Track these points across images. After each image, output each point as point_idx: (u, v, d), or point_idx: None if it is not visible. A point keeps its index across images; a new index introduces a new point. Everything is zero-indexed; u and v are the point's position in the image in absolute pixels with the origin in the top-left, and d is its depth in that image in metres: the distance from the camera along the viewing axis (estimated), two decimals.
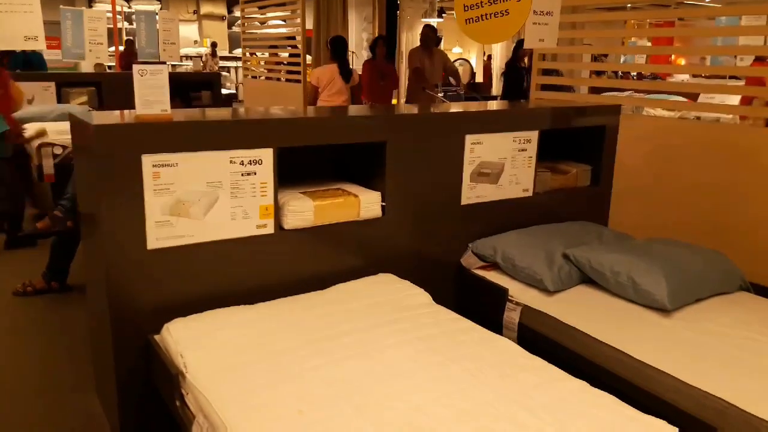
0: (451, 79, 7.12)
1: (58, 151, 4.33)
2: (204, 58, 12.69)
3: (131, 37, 8.55)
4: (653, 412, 1.64)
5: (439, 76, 6.65)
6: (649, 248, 2.59)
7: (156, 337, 2.04)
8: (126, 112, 2.24)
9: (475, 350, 1.92)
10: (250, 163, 2.14)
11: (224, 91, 8.54)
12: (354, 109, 2.86)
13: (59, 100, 6.11)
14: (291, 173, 2.55)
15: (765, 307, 2.42)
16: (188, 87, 6.66)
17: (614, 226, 3.44)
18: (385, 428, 1.50)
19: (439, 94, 6.43)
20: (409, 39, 10.25)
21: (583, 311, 2.36)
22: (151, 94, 2.01)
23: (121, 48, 9.17)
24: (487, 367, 1.81)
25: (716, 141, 3.30)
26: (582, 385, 1.74)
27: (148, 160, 1.98)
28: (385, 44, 6.72)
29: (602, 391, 1.71)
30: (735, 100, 6.69)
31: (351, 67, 6.06)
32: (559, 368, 1.85)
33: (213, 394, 1.67)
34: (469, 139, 2.74)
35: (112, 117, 2.12)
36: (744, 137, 3.24)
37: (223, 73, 13.01)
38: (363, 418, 1.55)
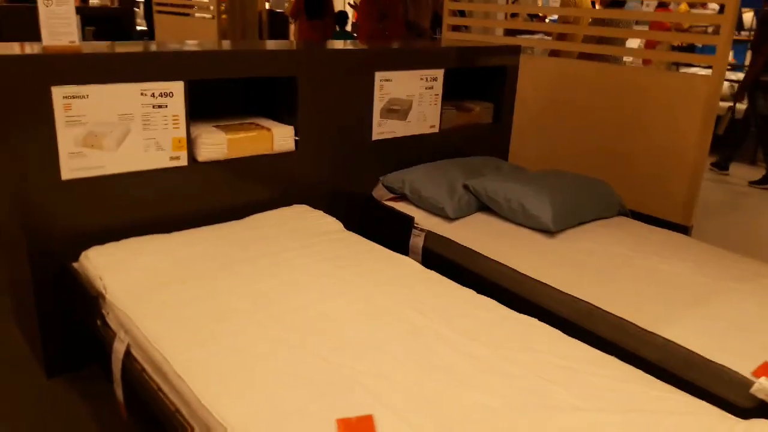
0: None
1: None
2: None
3: None
4: (530, 315, 1.89)
5: (428, 17, 5.46)
6: (540, 178, 2.85)
7: (75, 264, 2.11)
8: (33, 44, 2.23)
9: (379, 267, 2.12)
10: (161, 96, 2.20)
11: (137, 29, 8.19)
12: (266, 44, 2.93)
13: None
14: (206, 108, 2.61)
15: (638, 229, 2.75)
16: (96, 23, 6.39)
17: (515, 159, 3.70)
18: (296, 330, 1.68)
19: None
20: None
21: (479, 235, 2.60)
22: (59, 25, 2.02)
23: None
24: (389, 280, 2.01)
25: (608, 79, 3.59)
26: (469, 293, 1.97)
27: (58, 92, 2.01)
28: None
29: (486, 297, 1.95)
30: (636, 44, 7.10)
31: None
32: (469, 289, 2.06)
33: (133, 311, 1.79)
34: (379, 76, 2.87)
35: (17, 48, 2.11)
36: (632, 76, 3.54)
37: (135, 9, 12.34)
38: (276, 323, 1.72)
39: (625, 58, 6.38)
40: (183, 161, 2.32)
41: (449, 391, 1.46)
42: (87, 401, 2.14)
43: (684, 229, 3.44)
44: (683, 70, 6.00)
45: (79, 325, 2.14)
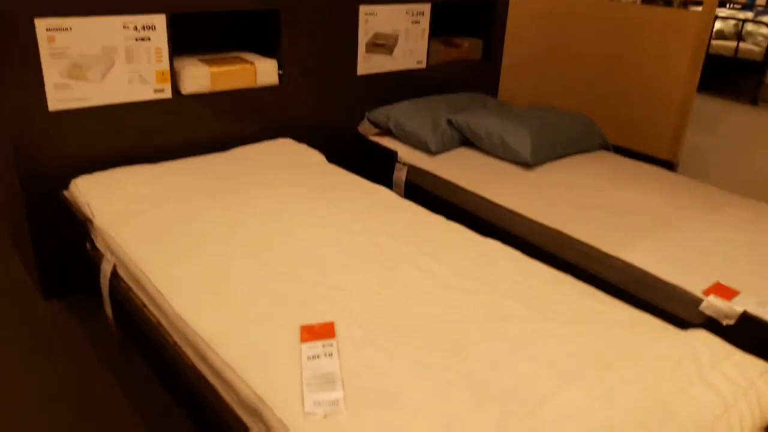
0: None
1: None
2: None
3: None
4: (502, 241, 1.96)
5: None
6: (523, 113, 2.89)
7: (65, 192, 2.21)
8: None
9: (355, 196, 2.21)
10: (144, 29, 2.24)
11: None
12: None
13: None
14: (191, 42, 2.65)
15: (615, 162, 2.81)
16: None
17: (505, 97, 3.73)
18: (269, 251, 1.78)
19: None
20: None
21: (459, 168, 2.67)
22: None
23: None
24: (363, 208, 2.10)
25: (600, 15, 3.56)
26: (439, 219, 2.06)
27: (41, 24, 2.06)
28: None
29: (456, 223, 2.03)
30: None
31: None
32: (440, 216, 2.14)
33: (118, 234, 1.89)
34: (363, 9, 2.88)
35: None
36: (624, 11, 3.51)
37: None
38: (251, 245, 1.82)
39: None
40: (167, 94, 2.38)
41: (407, 303, 1.56)
42: (81, 320, 2.28)
43: (669, 165, 3.48)
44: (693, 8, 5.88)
45: (73, 251, 2.25)
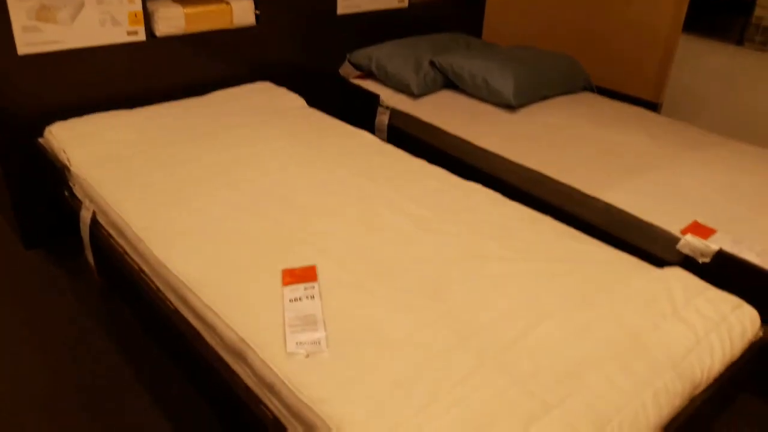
0: None
1: None
2: None
3: None
4: (484, 184, 1.96)
5: None
6: (506, 54, 2.85)
7: (40, 140, 2.17)
8: None
9: (337, 141, 2.18)
10: None
11: None
12: None
13: None
14: None
15: (600, 104, 2.79)
16: None
17: (489, 36, 3.66)
18: (251, 196, 1.77)
19: None
20: None
21: (443, 111, 2.64)
22: None
23: None
24: (345, 152, 2.08)
25: None
26: (421, 163, 2.05)
27: None
28: None
29: (437, 167, 2.03)
30: None
31: None
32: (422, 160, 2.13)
33: (96, 180, 1.87)
34: None
35: None
36: None
37: None
38: (232, 190, 1.81)
39: None
40: (141, 36, 2.31)
41: (388, 245, 1.57)
42: (64, 268, 2.27)
43: (653, 106, 3.47)
44: None
45: (52, 199, 2.22)
